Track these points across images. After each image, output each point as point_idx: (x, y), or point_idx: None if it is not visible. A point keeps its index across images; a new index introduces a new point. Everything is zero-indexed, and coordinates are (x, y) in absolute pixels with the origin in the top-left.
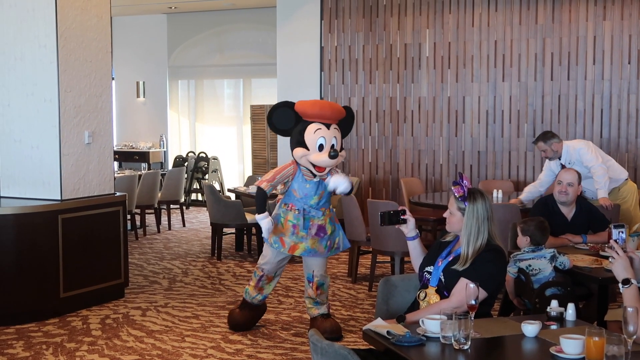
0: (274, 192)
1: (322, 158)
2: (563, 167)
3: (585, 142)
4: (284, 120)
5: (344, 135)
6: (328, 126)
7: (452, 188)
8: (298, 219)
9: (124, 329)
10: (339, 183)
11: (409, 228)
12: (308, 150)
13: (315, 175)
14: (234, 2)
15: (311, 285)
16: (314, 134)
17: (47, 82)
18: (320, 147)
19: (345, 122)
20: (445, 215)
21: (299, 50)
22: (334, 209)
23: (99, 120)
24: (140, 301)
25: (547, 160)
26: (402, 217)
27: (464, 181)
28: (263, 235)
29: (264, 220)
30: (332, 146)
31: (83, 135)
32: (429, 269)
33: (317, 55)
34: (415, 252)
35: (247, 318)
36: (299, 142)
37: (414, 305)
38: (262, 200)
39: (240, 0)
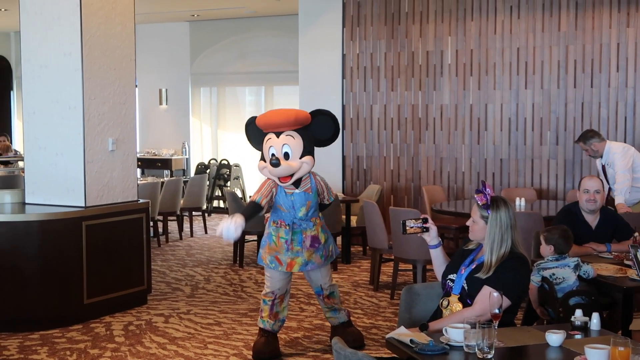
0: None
1: (267, 168)
2: (603, 167)
3: (626, 146)
4: (254, 136)
5: (325, 137)
6: (278, 134)
7: (475, 196)
8: (289, 234)
9: (147, 336)
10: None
11: (431, 236)
12: (265, 162)
13: (297, 187)
14: (255, 9)
15: (322, 297)
16: (265, 144)
17: (71, 89)
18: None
19: (315, 126)
20: (468, 223)
21: (320, 58)
22: (323, 218)
23: (122, 128)
24: (162, 308)
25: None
26: (424, 225)
27: (487, 189)
28: (219, 234)
29: (228, 219)
30: (273, 155)
31: (107, 142)
32: (452, 276)
33: (339, 62)
34: (438, 260)
35: (273, 345)
36: (261, 156)
37: (437, 314)
38: (247, 207)
39: (262, 7)
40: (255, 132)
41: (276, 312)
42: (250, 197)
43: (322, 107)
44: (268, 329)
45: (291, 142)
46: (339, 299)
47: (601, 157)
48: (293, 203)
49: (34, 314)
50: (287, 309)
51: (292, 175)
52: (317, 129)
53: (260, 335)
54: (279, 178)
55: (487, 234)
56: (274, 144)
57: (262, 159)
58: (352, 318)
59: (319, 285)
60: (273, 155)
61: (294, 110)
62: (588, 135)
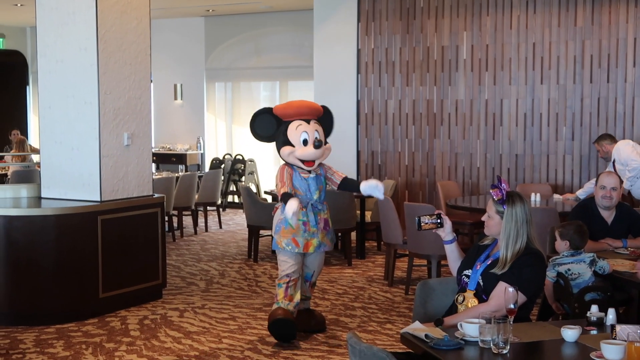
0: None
1: (309, 150)
2: (614, 164)
3: (628, 142)
4: (266, 126)
5: (326, 135)
6: (308, 121)
7: (491, 191)
8: (307, 215)
9: (162, 330)
10: (371, 191)
11: (446, 232)
12: (294, 147)
13: (309, 171)
14: (270, 4)
15: (308, 284)
16: (296, 130)
17: (87, 84)
18: (305, 142)
19: (324, 120)
20: (483, 218)
21: (335, 53)
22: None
23: (137, 123)
24: (177, 302)
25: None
26: (438, 220)
27: (503, 184)
28: (287, 215)
29: (292, 199)
30: (316, 137)
31: (122, 137)
32: (467, 272)
33: (354, 57)
34: (453, 255)
35: (290, 319)
36: (284, 142)
37: (452, 309)
38: (288, 195)
39: (277, 2)
40: (269, 122)
41: (291, 294)
42: (276, 190)
43: (337, 102)
44: (284, 309)
45: (319, 129)
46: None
47: (611, 159)
48: (309, 186)
49: (50, 307)
50: (300, 294)
51: (315, 161)
52: (325, 124)
53: (276, 311)
54: (304, 162)
55: (502, 229)
56: (308, 129)
57: (285, 144)
58: (367, 313)
59: (312, 271)
60: (316, 137)
61: (311, 102)
62: (602, 137)
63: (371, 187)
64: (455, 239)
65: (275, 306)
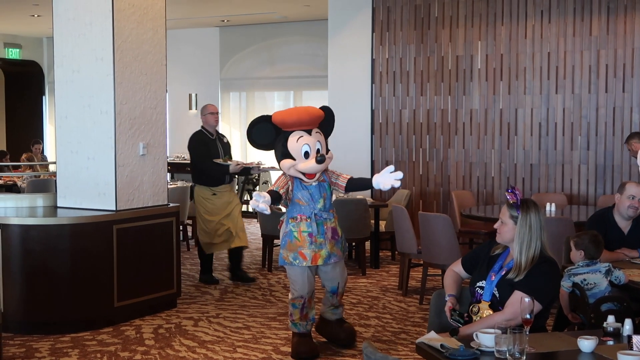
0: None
1: (310, 165)
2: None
3: None
4: (264, 135)
5: (326, 136)
6: (309, 132)
7: (506, 194)
8: (311, 226)
9: (177, 339)
10: (385, 180)
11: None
12: (294, 160)
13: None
14: (285, 15)
15: (336, 295)
16: (297, 142)
17: (103, 94)
18: (306, 155)
19: (325, 123)
20: (496, 226)
21: (350, 63)
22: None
23: (153, 132)
24: (192, 311)
25: None
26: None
27: (517, 191)
28: (254, 205)
29: (261, 193)
30: (318, 150)
31: (138, 146)
32: (481, 284)
33: (369, 67)
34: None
35: (310, 344)
36: (283, 154)
37: (469, 317)
38: (270, 192)
39: (292, 13)
40: (267, 131)
41: (306, 313)
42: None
43: (352, 112)
44: (302, 332)
45: (321, 139)
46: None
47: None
48: (311, 195)
49: (65, 316)
50: (314, 310)
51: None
52: (325, 126)
53: (295, 336)
54: (305, 174)
55: (516, 234)
56: (309, 142)
57: (285, 157)
58: (381, 322)
59: (336, 284)
60: (318, 150)
61: (311, 107)
62: (632, 135)
63: (384, 176)
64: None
65: (292, 329)
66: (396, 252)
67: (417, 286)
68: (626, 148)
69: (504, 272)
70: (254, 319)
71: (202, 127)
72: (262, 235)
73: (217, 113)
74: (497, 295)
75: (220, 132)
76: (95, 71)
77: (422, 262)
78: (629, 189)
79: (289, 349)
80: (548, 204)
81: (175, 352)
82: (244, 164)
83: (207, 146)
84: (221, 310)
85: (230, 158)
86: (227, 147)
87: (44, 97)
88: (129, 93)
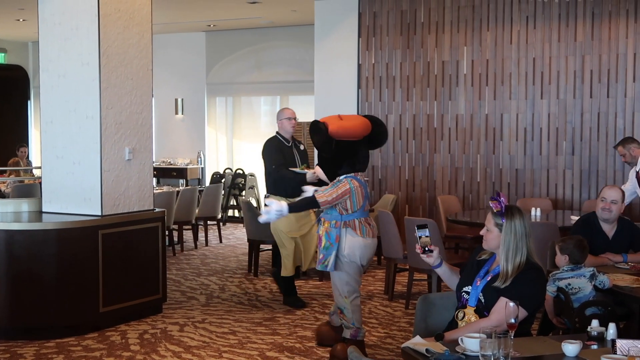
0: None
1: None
2: (637, 173)
3: None
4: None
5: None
6: None
7: (490, 203)
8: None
9: (162, 345)
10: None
11: (434, 257)
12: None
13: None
14: (271, 20)
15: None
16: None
17: (89, 99)
18: None
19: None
20: (482, 232)
21: (336, 68)
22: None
23: (139, 137)
24: (178, 317)
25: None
26: (427, 248)
27: (502, 198)
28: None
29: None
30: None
31: (123, 151)
32: (467, 289)
33: (355, 72)
34: (446, 275)
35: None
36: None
37: (452, 324)
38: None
39: (278, 18)
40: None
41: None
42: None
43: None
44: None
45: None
46: (350, 317)
47: (636, 164)
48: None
49: (50, 322)
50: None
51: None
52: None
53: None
54: None
55: (501, 242)
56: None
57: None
58: (367, 327)
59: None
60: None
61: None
62: (629, 140)
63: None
64: (442, 261)
65: (357, 334)
66: (382, 257)
67: (403, 291)
68: (618, 153)
69: (489, 277)
70: (240, 324)
71: (277, 132)
72: (249, 240)
73: (295, 119)
74: (483, 300)
75: (296, 139)
76: (81, 76)
77: (408, 267)
78: (602, 192)
79: (275, 354)
80: (533, 209)
81: (160, 358)
82: None
83: (282, 153)
84: (207, 315)
85: (307, 167)
86: (303, 154)
87: (29, 101)
88: (115, 98)
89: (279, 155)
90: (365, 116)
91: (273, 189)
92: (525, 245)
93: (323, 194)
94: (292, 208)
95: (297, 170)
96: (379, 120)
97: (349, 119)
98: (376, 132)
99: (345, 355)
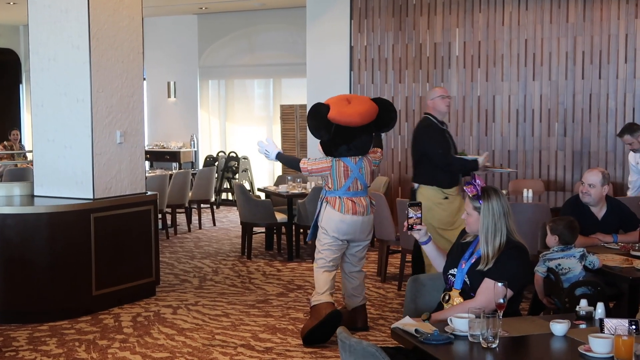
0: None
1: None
2: None
3: None
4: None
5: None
6: None
7: (465, 188)
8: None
9: (155, 327)
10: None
11: (421, 234)
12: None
13: None
14: (264, 2)
15: None
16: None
17: (79, 82)
18: None
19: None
20: (463, 217)
21: (328, 50)
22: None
23: (130, 120)
24: (171, 299)
25: (630, 152)
26: (414, 227)
27: (477, 180)
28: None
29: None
30: None
31: (115, 135)
32: (453, 271)
33: (347, 54)
34: (432, 253)
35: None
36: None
37: (441, 306)
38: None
39: (271, 0)
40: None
41: None
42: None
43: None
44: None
45: None
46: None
47: None
48: None
49: (43, 305)
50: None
51: None
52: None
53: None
54: None
55: (480, 225)
56: None
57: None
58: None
59: None
60: None
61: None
62: (635, 127)
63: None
64: (430, 238)
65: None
66: (375, 239)
67: (396, 273)
68: (623, 142)
69: (474, 259)
70: (233, 307)
71: (427, 113)
72: (242, 223)
73: (449, 96)
74: (468, 282)
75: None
76: (72, 59)
77: (400, 248)
78: (584, 175)
79: (268, 336)
80: (525, 190)
81: (154, 340)
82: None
83: (444, 136)
84: (200, 298)
85: (463, 152)
86: (452, 139)
87: (21, 85)
88: (106, 81)
89: (444, 138)
90: (376, 99)
91: (428, 178)
92: (504, 225)
93: (307, 162)
94: (279, 157)
95: (467, 157)
96: (390, 105)
97: (356, 103)
98: (384, 117)
99: (324, 313)
